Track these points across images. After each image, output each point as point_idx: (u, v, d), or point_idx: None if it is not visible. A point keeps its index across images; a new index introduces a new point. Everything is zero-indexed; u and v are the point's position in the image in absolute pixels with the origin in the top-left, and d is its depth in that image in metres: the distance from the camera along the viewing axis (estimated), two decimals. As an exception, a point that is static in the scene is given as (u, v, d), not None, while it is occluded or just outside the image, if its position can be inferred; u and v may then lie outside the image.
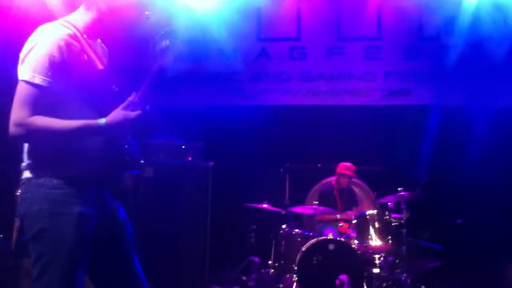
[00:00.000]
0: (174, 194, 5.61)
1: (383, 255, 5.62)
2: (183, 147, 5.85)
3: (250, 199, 6.07)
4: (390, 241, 5.59)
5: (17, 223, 4.85)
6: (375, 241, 5.58)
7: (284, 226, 5.79)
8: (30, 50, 2.18)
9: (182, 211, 5.65)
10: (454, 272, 5.99)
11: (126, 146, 2.36)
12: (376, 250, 5.60)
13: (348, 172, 6.29)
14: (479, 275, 6.13)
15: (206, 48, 7.26)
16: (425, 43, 7.27)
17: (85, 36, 2.30)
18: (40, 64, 2.13)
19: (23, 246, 4.94)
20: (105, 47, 2.48)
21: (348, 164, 6.37)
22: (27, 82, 2.13)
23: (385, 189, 6.15)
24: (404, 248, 5.55)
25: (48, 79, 2.13)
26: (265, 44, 7.53)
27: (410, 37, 7.31)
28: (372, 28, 7.39)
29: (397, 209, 5.75)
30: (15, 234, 4.88)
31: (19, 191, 2.29)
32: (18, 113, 2.12)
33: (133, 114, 2.19)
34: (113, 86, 2.33)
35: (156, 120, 2.34)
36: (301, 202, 6.48)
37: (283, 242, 5.75)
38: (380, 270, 5.55)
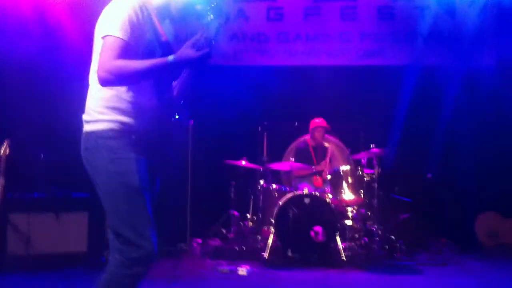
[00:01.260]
0: (155, 151, 5.76)
1: (355, 208, 5.91)
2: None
3: (230, 156, 6.26)
4: (362, 195, 5.86)
5: (1, 181, 5.02)
6: (348, 195, 5.85)
7: (262, 182, 6.02)
8: (110, 13, 2.49)
9: (164, 168, 5.83)
10: (423, 223, 6.32)
11: (176, 106, 2.67)
12: (349, 204, 5.88)
13: (321, 124, 6.49)
14: (447, 226, 6.50)
15: (186, 10, 7.30)
16: (399, 4, 7.40)
17: (155, 11, 2.65)
18: (121, 22, 2.43)
19: (9, 203, 5.12)
20: (170, 27, 2.80)
21: (319, 119, 6.56)
22: (112, 36, 2.41)
23: (359, 146, 6.42)
24: (375, 201, 5.84)
25: (128, 34, 2.43)
26: (242, 5, 7.58)
27: (385, -2, 7.44)
28: (347, -12, 7.50)
29: (369, 164, 6.01)
30: (0, 191, 5.04)
31: (82, 141, 2.54)
32: (104, 58, 2.40)
33: (197, 52, 2.42)
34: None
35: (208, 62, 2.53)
36: (278, 159, 6.67)
37: (261, 197, 5.99)
38: (352, 221, 5.85)
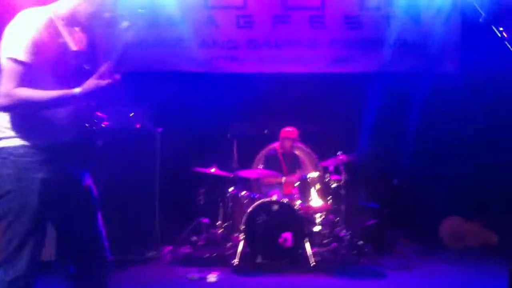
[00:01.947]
0: (123, 159, 5.77)
1: (324, 214, 6.00)
2: (132, 114, 6.00)
3: (199, 164, 6.28)
4: (330, 201, 5.96)
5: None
6: (316, 201, 5.94)
7: (231, 189, 6.07)
8: (14, 32, 2.44)
9: (132, 176, 5.84)
10: (390, 228, 6.43)
11: (90, 120, 2.64)
12: (317, 210, 5.97)
13: (290, 135, 6.56)
14: (414, 230, 6.64)
15: (155, 16, 7.33)
16: (366, 13, 7.54)
17: (62, 22, 2.59)
18: (24, 44, 2.40)
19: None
20: (81, 34, 2.72)
21: (290, 128, 6.63)
22: (12, 59, 2.39)
23: (327, 153, 6.51)
24: (343, 207, 5.94)
25: (30, 56, 2.40)
26: (213, 12, 7.63)
27: (351, 8, 7.56)
28: (315, -1, 7.62)
29: (337, 171, 6.11)
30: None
31: None
32: (5, 85, 2.38)
33: (103, 82, 2.45)
34: (85, 65, 2.60)
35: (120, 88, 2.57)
36: (248, 166, 6.73)
37: (230, 204, 6.04)
38: (321, 227, 5.94)
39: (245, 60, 7.66)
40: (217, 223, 6.13)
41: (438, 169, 6.83)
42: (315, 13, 7.61)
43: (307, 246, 5.53)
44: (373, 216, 6.36)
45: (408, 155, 6.94)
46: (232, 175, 6.22)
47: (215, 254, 5.89)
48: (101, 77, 2.46)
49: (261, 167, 6.33)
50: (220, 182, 6.31)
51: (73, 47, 2.60)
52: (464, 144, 6.92)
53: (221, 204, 6.18)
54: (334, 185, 6.00)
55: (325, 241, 5.89)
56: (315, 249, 5.70)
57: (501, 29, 2.71)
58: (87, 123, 2.63)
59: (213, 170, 6.14)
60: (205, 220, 6.23)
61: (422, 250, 6.27)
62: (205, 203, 6.36)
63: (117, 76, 2.50)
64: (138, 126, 6.08)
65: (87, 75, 2.51)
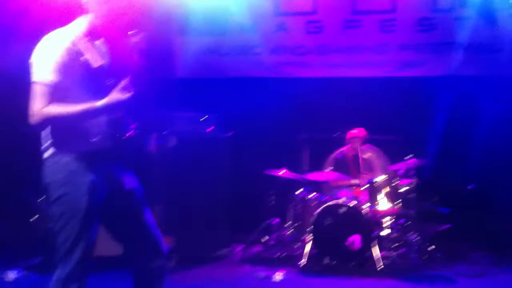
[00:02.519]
0: (196, 163, 6.02)
1: (393, 218, 5.97)
2: (204, 118, 6.25)
3: (270, 166, 6.41)
4: (399, 205, 5.92)
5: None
6: (384, 205, 5.92)
7: (300, 191, 6.16)
8: (39, 57, 2.65)
9: (205, 179, 6.07)
10: (463, 234, 6.29)
11: (125, 126, 2.81)
12: (385, 214, 5.94)
13: (358, 135, 6.56)
14: (489, 238, 6.45)
15: (227, 24, 7.57)
16: (439, 15, 7.43)
17: (84, 39, 2.75)
18: (48, 67, 2.59)
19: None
20: (105, 47, 2.86)
21: (356, 129, 6.64)
22: (39, 82, 2.60)
23: (397, 157, 6.45)
24: (413, 211, 5.89)
25: (55, 78, 2.59)
26: (283, 19, 7.78)
27: (424, 9, 7.47)
28: (386, 1, 7.58)
29: (407, 175, 6.05)
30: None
31: (43, 167, 2.76)
32: (35, 106, 2.59)
33: (125, 96, 2.61)
34: (110, 79, 2.73)
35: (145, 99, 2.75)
36: (319, 169, 6.76)
37: (299, 206, 6.15)
38: (390, 231, 5.91)
39: (314, 65, 7.75)
40: (287, 224, 6.24)
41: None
42: (386, 16, 7.58)
43: (375, 249, 5.54)
44: (445, 222, 6.25)
45: (484, 160, 6.76)
46: (302, 178, 6.32)
47: (283, 254, 6.01)
48: (123, 90, 2.61)
49: (329, 170, 6.38)
50: (290, 185, 6.42)
51: (96, 63, 2.75)
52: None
53: (290, 206, 6.30)
54: (403, 189, 5.95)
55: (393, 245, 5.85)
56: (383, 253, 5.68)
57: None
58: (120, 131, 2.79)
59: (283, 172, 6.26)
60: (276, 221, 6.36)
61: (497, 258, 6.08)
62: (275, 205, 6.49)
63: (142, 86, 2.67)
64: (209, 130, 6.30)
65: (112, 88, 2.66)
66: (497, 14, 7.17)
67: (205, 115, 6.37)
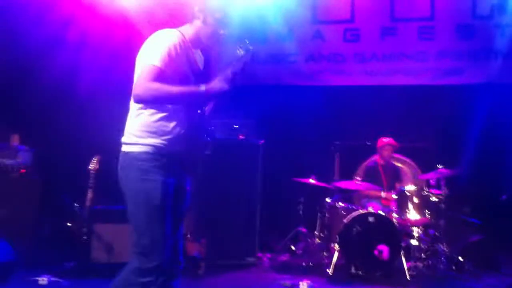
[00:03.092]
0: (227, 169, 6.16)
1: (422, 228, 5.92)
2: (236, 126, 6.37)
3: (300, 175, 6.47)
4: (428, 215, 5.86)
5: (90, 195, 5.58)
6: (413, 214, 5.88)
7: (328, 200, 6.20)
8: (153, 44, 2.85)
9: (235, 185, 6.20)
10: (495, 247, 6.16)
11: (206, 131, 2.98)
12: (415, 223, 5.90)
13: (389, 143, 6.55)
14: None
15: (264, 32, 7.67)
16: (478, 22, 7.31)
17: (189, 43, 2.98)
18: (161, 54, 2.77)
19: (95, 214, 5.66)
20: (202, 56, 3.15)
21: (387, 138, 6.61)
22: (151, 63, 2.78)
23: (431, 166, 6.38)
24: (442, 222, 5.83)
25: (164, 64, 2.78)
26: (320, 27, 7.83)
27: (463, 16, 7.37)
28: (425, 8, 7.52)
29: (437, 185, 5.99)
30: (88, 204, 5.61)
31: (119, 160, 2.93)
32: (142, 79, 2.76)
33: (226, 86, 2.77)
34: (200, 84, 2.91)
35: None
36: (350, 178, 6.78)
37: (327, 215, 6.18)
38: (419, 242, 5.86)
39: (351, 73, 7.76)
40: (314, 233, 6.28)
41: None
42: (424, 23, 7.52)
43: (403, 259, 5.50)
44: (476, 233, 6.14)
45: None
46: (332, 186, 6.35)
47: (311, 263, 6.04)
48: (225, 81, 2.76)
49: (359, 179, 6.38)
50: (319, 193, 6.45)
51: (195, 66, 2.99)
52: None
53: (319, 214, 6.33)
54: (433, 199, 5.89)
55: (422, 256, 5.80)
56: (412, 263, 5.65)
57: None
58: (202, 134, 2.95)
59: (312, 180, 6.31)
60: (304, 230, 6.41)
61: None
62: (304, 213, 6.54)
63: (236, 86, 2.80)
64: (241, 137, 6.42)
65: None
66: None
67: (239, 122, 6.50)
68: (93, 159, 5.78)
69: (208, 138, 2.98)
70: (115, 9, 7.10)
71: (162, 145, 2.84)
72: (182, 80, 2.85)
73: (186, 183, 3.02)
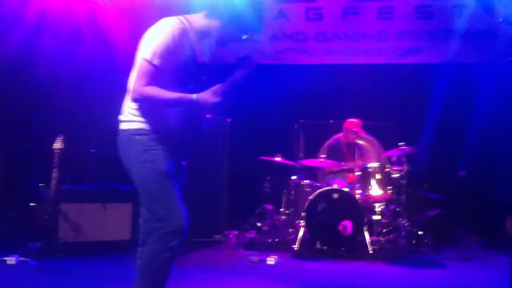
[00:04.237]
0: (195, 147, 6.17)
1: (384, 203, 6.12)
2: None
3: (266, 153, 6.57)
4: (390, 191, 6.06)
5: (55, 174, 5.53)
6: (376, 191, 6.06)
7: (294, 177, 6.32)
8: (153, 37, 2.82)
9: (202, 164, 6.23)
10: (453, 220, 6.43)
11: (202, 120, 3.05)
12: (377, 199, 6.09)
13: (354, 128, 6.70)
14: (478, 224, 6.59)
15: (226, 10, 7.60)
16: (436, 2, 7.46)
17: (196, 33, 2.93)
18: (159, 49, 2.77)
19: (61, 193, 5.63)
20: (206, 46, 3.08)
21: (354, 120, 6.75)
22: (148, 61, 2.77)
23: (393, 143, 6.57)
24: (403, 197, 6.03)
25: (162, 61, 2.77)
26: (283, 5, 7.83)
27: (422, -3, 7.52)
28: (384, -12, 7.62)
29: (400, 162, 6.18)
30: (54, 183, 5.57)
31: (118, 138, 2.96)
32: (138, 82, 2.78)
33: (215, 99, 2.80)
34: (203, 77, 2.96)
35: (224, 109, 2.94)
36: (314, 156, 6.91)
37: (293, 192, 6.31)
38: (381, 217, 6.07)
39: (314, 52, 7.83)
40: (280, 210, 6.41)
41: (505, 162, 6.69)
42: (384, 3, 7.61)
43: (366, 234, 5.69)
44: (435, 208, 6.39)
45: (476, 147, 6.86)
46: (296, 164, 6.47)
47: (277, 240, 6.18)
48: (214, 94, 2.80)
49: (323, 157, 6.52)
50: (285, 171, 6.57)
51: (199, 58, 2.97)
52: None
53: (285, 191, 6.46)
54: (395, 175, 6.08)
55: (384, 230, 6.01)
56: (374, 238, 5.85)
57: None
58: (198, 121, 3.01)
59: (278, 159, 6.41)
60: (270, 207, 6.53)
61: (486, 243, 6.23)
62: (270, 191, 6.65)
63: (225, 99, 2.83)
64: (208, 116, 6.43)
65: (203, 85, 2.86)
66: (495, 1, 7.21)
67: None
68: (58, 138, 5.73)
69: (204, 127, 3.07)
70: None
71: (159, 124, 2.88)
72: (179, 74, 2.86)
73: (182, 159, 3.08)
